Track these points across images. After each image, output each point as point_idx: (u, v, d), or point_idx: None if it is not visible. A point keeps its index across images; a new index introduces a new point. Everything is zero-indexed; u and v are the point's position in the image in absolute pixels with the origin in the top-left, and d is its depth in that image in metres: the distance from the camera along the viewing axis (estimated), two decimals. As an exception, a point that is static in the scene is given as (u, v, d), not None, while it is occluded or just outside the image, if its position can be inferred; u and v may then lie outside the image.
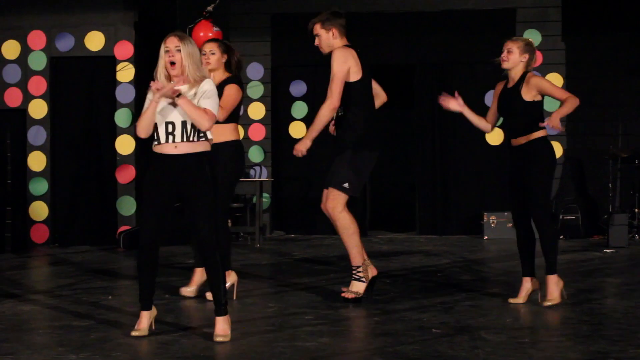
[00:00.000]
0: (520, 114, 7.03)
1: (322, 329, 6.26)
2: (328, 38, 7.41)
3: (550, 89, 7.06)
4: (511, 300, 7.17)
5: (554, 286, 7.05)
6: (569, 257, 10.40)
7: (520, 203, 7.13)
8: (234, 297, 7.42)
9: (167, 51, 5.79)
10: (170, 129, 5.78)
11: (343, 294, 7.31)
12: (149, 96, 5.80)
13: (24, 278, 9.20)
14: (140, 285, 5.96)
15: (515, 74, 7.13)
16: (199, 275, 7.58)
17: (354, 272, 7.33)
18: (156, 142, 5.84)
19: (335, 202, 7.24)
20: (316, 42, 7.48)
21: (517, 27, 13.11)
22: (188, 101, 5.72)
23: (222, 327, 5.85)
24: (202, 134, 5.81)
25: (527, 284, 7.21)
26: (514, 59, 7.09)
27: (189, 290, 7.60)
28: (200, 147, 5.83)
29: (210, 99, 5.80)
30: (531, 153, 7.03)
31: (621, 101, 12.89)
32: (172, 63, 5.79)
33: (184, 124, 5.77)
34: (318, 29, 7.44)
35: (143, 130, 5.79)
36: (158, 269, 5.99)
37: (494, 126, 7.42)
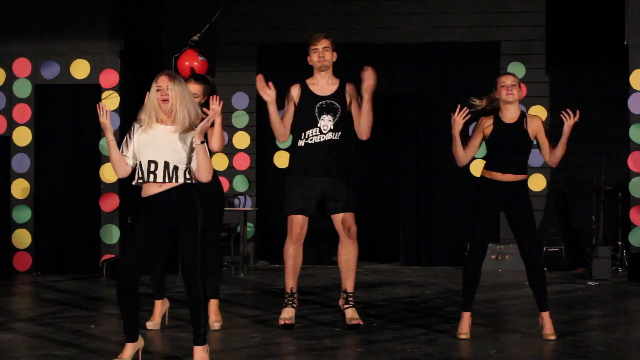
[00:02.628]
0: (526, 153, 7.06)
1: (305, 359, 6.23)
2: (332, 58, 7.56)
3: (545, 137, 7.12)
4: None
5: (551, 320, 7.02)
6: (552, 289, 10.38)
7: (487, 239, 7.13)
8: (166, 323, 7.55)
9: (158, 90, 5.78)
10: (152, 167, 5.75)
11: (355, 322, 7.32)
12: (109, 137, 5.93)
13: (6, 306, 9.13)
14: (124, 317, 5.89)
15: (514, 110, 7.07)
16: (159, 307, 7.54)
17: (351, 298, 7.41)
18: (140, 181, 5.81)
19: (356, 226, 7.43)
20: (322, 53, 7.48)
21: (502, 59, 13.19)
22: (204, 149, 5.74)
23: (201, 356, 5.81)
24: (188, 177, 5.79)
25: (469, 319, 7.10)
26: (517, 92, 7.06)
27: (152, 324, 7.51)
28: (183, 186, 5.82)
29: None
30: (520, 190, 7.04)
31: (605, 134, 12.96)
32: (165, 100, 5.77)
33: (166, 164, 5.74)
34: (330, 43, 7.52)
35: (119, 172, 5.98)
36: (139, 299, 5.93)
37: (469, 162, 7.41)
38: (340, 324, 7.54)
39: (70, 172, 12.33)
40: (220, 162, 13.44)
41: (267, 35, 13.60)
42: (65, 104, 12.39)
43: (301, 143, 7.52)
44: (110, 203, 12.05)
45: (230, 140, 13.49)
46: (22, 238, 12.14)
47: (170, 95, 5.76)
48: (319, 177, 7.43)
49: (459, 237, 13.15)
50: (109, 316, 8.32)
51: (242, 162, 13.57)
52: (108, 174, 12.04)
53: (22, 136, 12.25)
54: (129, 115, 11.18)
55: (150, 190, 5.77)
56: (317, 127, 7.46)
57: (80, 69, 12.22)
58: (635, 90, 11.70)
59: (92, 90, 12.21)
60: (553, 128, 13.19)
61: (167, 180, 5.73)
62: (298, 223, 7.44)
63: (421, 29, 13.43)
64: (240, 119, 13.53)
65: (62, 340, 6.89)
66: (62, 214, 12.27)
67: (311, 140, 7.46)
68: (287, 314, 7.45)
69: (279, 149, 13.54)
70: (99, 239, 12.12)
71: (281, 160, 13.47)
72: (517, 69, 13.08)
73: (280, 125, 7.54)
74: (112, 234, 12.07)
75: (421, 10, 13.43)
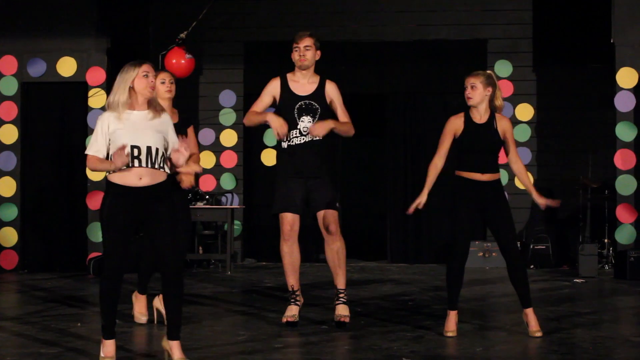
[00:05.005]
0: (497, 151, 7.06)
1: (292, 357, 6.24)
2: (314, 57, 7.49)
3: (512, 139, 7.11)
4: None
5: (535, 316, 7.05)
6: (539, 286, 10.43)
7: (469, 238, 7.16)
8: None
9: (145, 75, 5.84)
10: (135, 152, 5.75)
11: (342, 319, 7.37)
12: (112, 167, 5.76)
13: (-9, 304, 9.12)
14: (107, 315, 5.91)
15: (483, 110, 7.03)
16: (145, 301, 7.65)
17: (342, 294, 7.46)
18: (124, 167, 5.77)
19: (338, 224, 7.46)
20: (303, 52, 7.44)
21: (489, 57, 13.22)
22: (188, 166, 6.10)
23: (180, 351, 5.84)
24: (162, 165, 5.82)
25: (455, 318, 7.11)
26: (479, 94, 6.99)
27: (146, 318, 7.59)
28: (161, 177, 5.83)
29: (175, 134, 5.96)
30: (498, 189, 7.07)
31: (591, 132, 12.99)
32: (153, 87, 5.89)
33: (148, 149, 5.76)
34: (313, 42, 7.46)
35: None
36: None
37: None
38: (327, 321, 7.55)
39: (56, 170, 12.31)
40: (208, 160, 13.44)
41: (254, 33, 13.59)
42: (52, 101, 12.37)
43: (284, 145, 7.51)
44: (97, 201, 12.00)
45: (217, 138, 13.48)
46: (9, 236, 12.11)
47: (154, 83, 5.92)
48: (305, 178, 7.45)
49: (446, 234, 13.17)
50: (96, 314, 8.29)
51: (230, 159, 13.56)
52: (94, 172, 12.00)
53: (8, 134, 12.21)
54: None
55: (129, 179, 5.75)
56: (297, 128, 7.44)
57: (66, 67, 12.19)
58: (622, 88, 11.73)
59: (78, 88, 12.19)
60: (540, 126, 13.28)
61: (149, 165, 5.75)
62: (288, 220, 7.50)
63: (408, 27, 13.44)
64: (228, 116, 13.52)
65: (47, 339, 6.87)
66: (49, 211, 12.24)
67: (292, 142, 7.46)
68: (290, 312, 7.47)
69: (267, 147, 13.54)
70: (86, 237, 12.10)
71: (268, 158, 13.47)
72: (504, 67, 13.11)
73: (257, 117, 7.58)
74: (98, 232, 12.04)
75: (408, 8, 13.44)
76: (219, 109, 13.53)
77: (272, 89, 7.53)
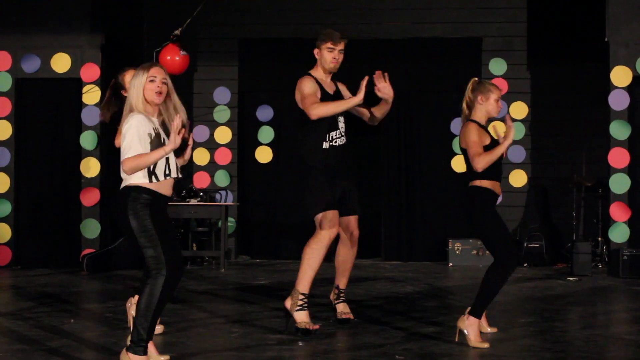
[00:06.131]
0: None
1: (285, 354, 6.24)
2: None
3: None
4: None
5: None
6: (532, 284, 10.45)
7: None
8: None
9: (152, 80, 5.54)
10: (170, 161, 5.56)
11: (345, 316, 7.40)
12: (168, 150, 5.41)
13: (-15, 301, 9.11)
14: (155, 320, 5.52)
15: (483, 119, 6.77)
16: None
17: (343, 294, 7.52)
18: (153, 179, 5.50)
19: (358, 231, 7.47)
20: (338, 55, 7.22)
21: (483, 55, 13.23)
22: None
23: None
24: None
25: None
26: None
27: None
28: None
29: None
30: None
31: (585, 130, 13.00)
32: (159, 93, 5.56)
33: (167, 160, 5.57)
34: (344, 46, 7.28)
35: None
36: None
37: None
38: (322, 317, 7.55)
39: (50, 166, 12.29)
40: (202, 157, 13.43)
41: (248, 30, 13.58)
42: (46, 98, 12.35)
43: (325, 145, 7.12)
44: (90, 197, 12.01)
45: (211, 135, 13.47)
46: (2, 232, 12.09)
47: (164, 88, 5.60)
48: (340, 180, 7.24)
49: (440, 233, 13.19)
50: (89, 311, 8.30)
51: (224, 157, 13.55)
52: (89, 168, 12.00)
53: (3, 130, 12.19)
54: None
55: (163, 189, 5.54)
56: (338, 129, 7.21)
57: (61, 63, 12.17)
58: (616, 87, 11.74)
59: (72, 84, 12.18)
60: (534, 124, 13.29)
61: (178, 175, 5.61)
62: (336, 218, 7.12)
63: (403, 25, 13.44)
64: (222, 113, 13.51)
65: (40, 335, 6.87)
66: (43, 208, 12.23)
67: (335, 142, 7.17)
68: (308, 318, 7.06)
69: (261, 144, 13.54)
70: (80, 233, 12.08)
71: (262, 155, 13.48)
72: (499, 65, 13.12)
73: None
74: (92, 229, 12.03)
75: (403, 6, 13.45)
76: (214, 106, 13.52)
77: (315, 87, 7.12)
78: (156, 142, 5.50)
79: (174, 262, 5.48)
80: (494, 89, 6.76)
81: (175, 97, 5.66)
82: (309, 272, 6.96)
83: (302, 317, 6.90)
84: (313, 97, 7.04)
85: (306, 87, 7.09)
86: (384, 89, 7.19)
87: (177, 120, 5.40)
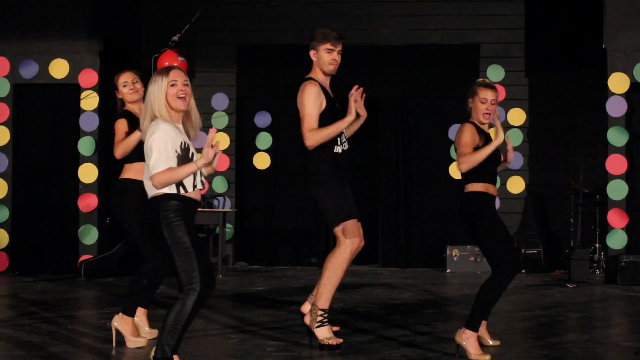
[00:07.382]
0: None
1: (283, 360, 6.24)
2: None
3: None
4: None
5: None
6: (530, 291, 10.45)
7: None
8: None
9: (174, 85, 5.30)
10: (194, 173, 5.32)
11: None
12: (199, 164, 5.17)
13: (-18, 306, 9.09)
14: (180, 338, 5.22)
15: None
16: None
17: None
18: (181, 191, 5.25)
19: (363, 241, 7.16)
20: (337, 57, 6.91)
21: (481, 62, 13.24)
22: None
23: None
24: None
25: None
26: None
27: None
28: None
29: None
30: None
31: (583, 137, 13.02)
32: (182, 97, 5.35)
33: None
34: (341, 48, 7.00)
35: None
36: None
37: None
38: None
39: (48, 172, 12.28)
40: (200, 163, 13.40)
41: (246, 36, 13.59)
42: (44, 103, 12.35)
43: (337, 149, 6.85)
44: (88, 203, 12.00)
45: (209, 141, 13.45)
46: (0, 238, 12.07)
47: (188, 90, 5.38)
48: (347, 185, 7.02)
49: (438, 239, 13.19)
50: (86, 317, 8.29)
51: (222, 163, 13.54)
52: (87, 174, 11.99)
53: (0, 135, 12.17)
54: (107, 116, 11.15)
55: (195, 194, 5.32)
56: (344, 132, 6.95)
57: (59, 69, 12.16)
58: (614, 94, 11.74)
59: (71, 90, 12.17)
60: (532, 130, 13.30)
61: (202, 186, 5.39)
62: (359, 226, 7.03)
63: (401, 31, 13.45)
64: (220, 119, 13.51)
65: (38, 342, 6.86)
66: (40, 214, 12.21)
67: (345, 146, 6.92)
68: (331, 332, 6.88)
69: (259, 150, 13.54)
70: (77, 239, 12.07)
71: (260, 161, 13.49)
72: (497, 71, 13.13)
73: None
74: (90, 235, 12.02)
75: (401, 12, 13.46)
76: (212, 112, 13.52)
77: (320, 95, 6.78)
78: (184, 155, 5.26)
79: (208, 277, 5.19)
80: (481, 90, 6.50)
81: (192, 102, 5.42)
82: (329, 288, 6.74)
83: (324, 334, 6.70)
84: (314, 120, 6.71)
85: (309, 101, 6.74)
86: (359, 108, 6.84)
87: (212, 133, 5.09)
